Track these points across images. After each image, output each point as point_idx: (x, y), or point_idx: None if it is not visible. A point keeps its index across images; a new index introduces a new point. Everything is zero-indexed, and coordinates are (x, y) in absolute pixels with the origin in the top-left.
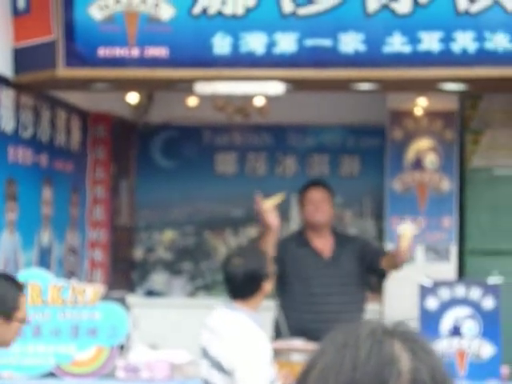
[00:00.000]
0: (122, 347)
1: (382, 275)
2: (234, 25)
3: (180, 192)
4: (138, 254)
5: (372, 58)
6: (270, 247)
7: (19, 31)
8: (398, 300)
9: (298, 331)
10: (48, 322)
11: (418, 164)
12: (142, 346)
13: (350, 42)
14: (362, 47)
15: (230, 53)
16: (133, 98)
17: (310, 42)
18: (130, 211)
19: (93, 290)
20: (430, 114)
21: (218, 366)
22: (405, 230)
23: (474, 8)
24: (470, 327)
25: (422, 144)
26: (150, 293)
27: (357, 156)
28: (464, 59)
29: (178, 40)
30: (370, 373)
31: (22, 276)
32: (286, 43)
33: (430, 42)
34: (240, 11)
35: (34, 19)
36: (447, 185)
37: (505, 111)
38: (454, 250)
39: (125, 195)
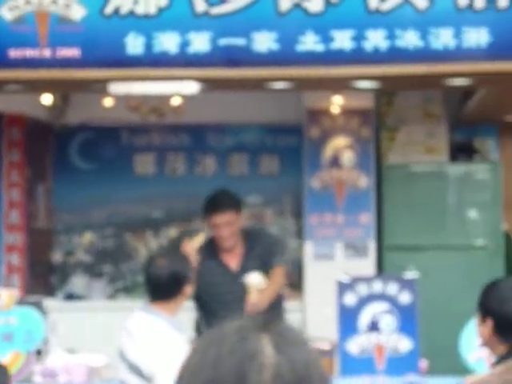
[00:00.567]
0: (39, 352)
1: None
2: (147, 24)
3: (99, 194)
4: (57, 257)
5: (285, 56)
6: None
7: None
8: (318, 297)
9: None
10: None
11: (335, 162)
12: (60, 351)
13: (264, 41)
14: (275, 46)
15: (144, 52)
16: (47, 99)
17: (223, 41)
18: (48, 214)
19: (8, 295)
20: (346, 112)
21: (137, 371)
22: (252, 283)
23: (385, 6)
24: (388, 322)
25: (339, 142)
26: (70, 296)
27: (276, 155)
28: (376, 57)
29: (91, 40)
30: (231, 368)
31: None
32: (200, 42)
33: (342, 40)
34: (152, 11)
35: None
36: (364, 182)
37: (419, 108)
38: (372, 246)
39: (42, 198)
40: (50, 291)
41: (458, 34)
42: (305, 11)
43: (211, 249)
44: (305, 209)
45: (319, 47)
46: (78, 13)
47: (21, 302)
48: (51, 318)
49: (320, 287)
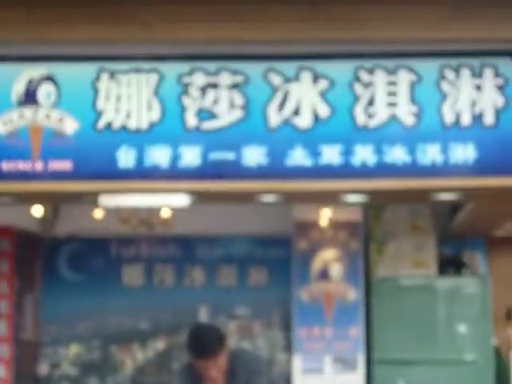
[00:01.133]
0: None
1: None
2: (139, 138)
3: (86, 305)
4: (43, 369)
5: (274, 170)
6: None
7: None
8: None
9: None
10: None
11: (324, 274)
12: None
13: (253, 156)
14: (264, 160)
15: (135, 166)
16: (38, 211)
17: (213, 156)
18: (35, 326)
19: None
20: (335, 225)
21: None
22: None
23: (373, 122)
24: None
25: (328, 254)
26: None
27: (264, 267)
28: (364, 172)
29: (82, 153)
30: None
31: None
32: (190, 156)
33: (331, 155)
34: (144, 125)
35: None
36: (353, 294)
37: (407, 221)
38: (361, 360)
39: (29, 309)
40: None
41: (445, 150)
42: (294, 127)
43: (193, 375)
44: (293, 322)
45: (308, 162)
46: (70, 127)
47: None
48: None
49: None
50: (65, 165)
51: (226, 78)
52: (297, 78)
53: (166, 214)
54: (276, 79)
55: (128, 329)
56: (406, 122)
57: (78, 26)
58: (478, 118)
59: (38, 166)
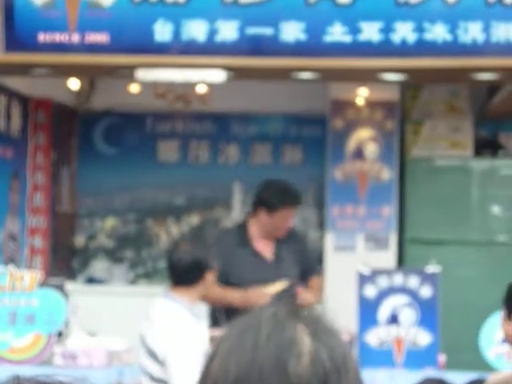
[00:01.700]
0: (60, 334)
1: None
2: (176, 12)
3: (122, 179)
4: (79, 241)
5: (312, 47)
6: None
7: None
8: (338, 288)
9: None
10: None
11: (358, 153)
12: (80, 333)
13: (291, 31)
14: (302, 36)
15: (172, 40)
16: (74, 84)
17: (250, 30)
18: (71, 198)
19: (31, 277)
20: (371, 104)
21: (154, 356)
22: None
23: None
24: (408, 315)
25: (363, 134)
26: (91, 280)
27: (299, 145)
28: (404, 50)
29: (119, 26)
30: (270, 354)
31: None
32: (227, 31)
33: (370, 32)
34: None
35: None
36: (387, 174)
37: (445, 102)
38: (393, 239)
39: (66, 182)
40: (71, 274)
41: (486, 29)
42: (333, 2)
43: (243, 236)
44: (327, 200)
45: (347, 38)
46: None
47: (43, 284)
48: (72, 300)
49: (340, 278)
50: (101, 37)
51: None
52: None
53: (202, 89)
54: None
55: (163, 203)
56: None
57: None
58: None
59: (75, 37)
